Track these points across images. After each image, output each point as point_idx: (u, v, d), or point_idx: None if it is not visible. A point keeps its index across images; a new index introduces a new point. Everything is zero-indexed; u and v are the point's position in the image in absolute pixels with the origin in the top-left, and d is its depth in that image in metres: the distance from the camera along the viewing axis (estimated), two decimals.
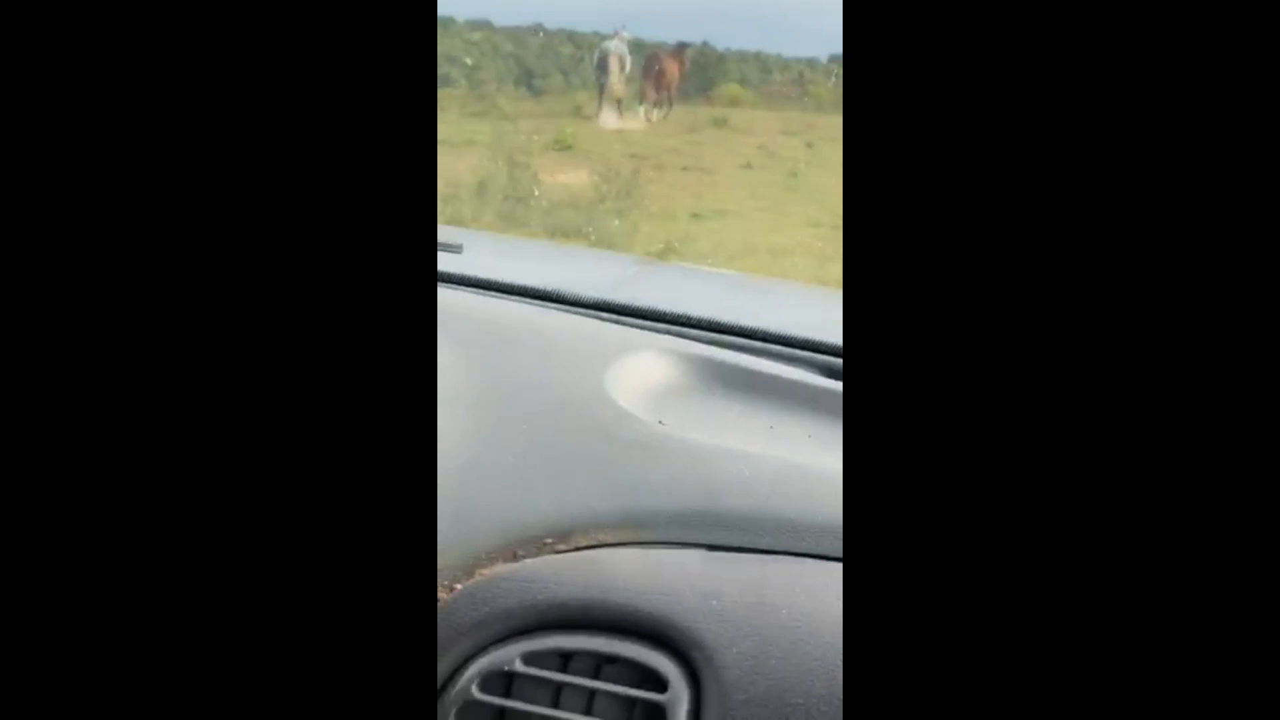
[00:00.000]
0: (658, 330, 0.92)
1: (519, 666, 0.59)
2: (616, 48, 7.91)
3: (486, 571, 0.63)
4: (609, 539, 0.66)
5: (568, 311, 0.95)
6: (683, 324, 0.94)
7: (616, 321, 0.93)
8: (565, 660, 0.60)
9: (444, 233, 1.03)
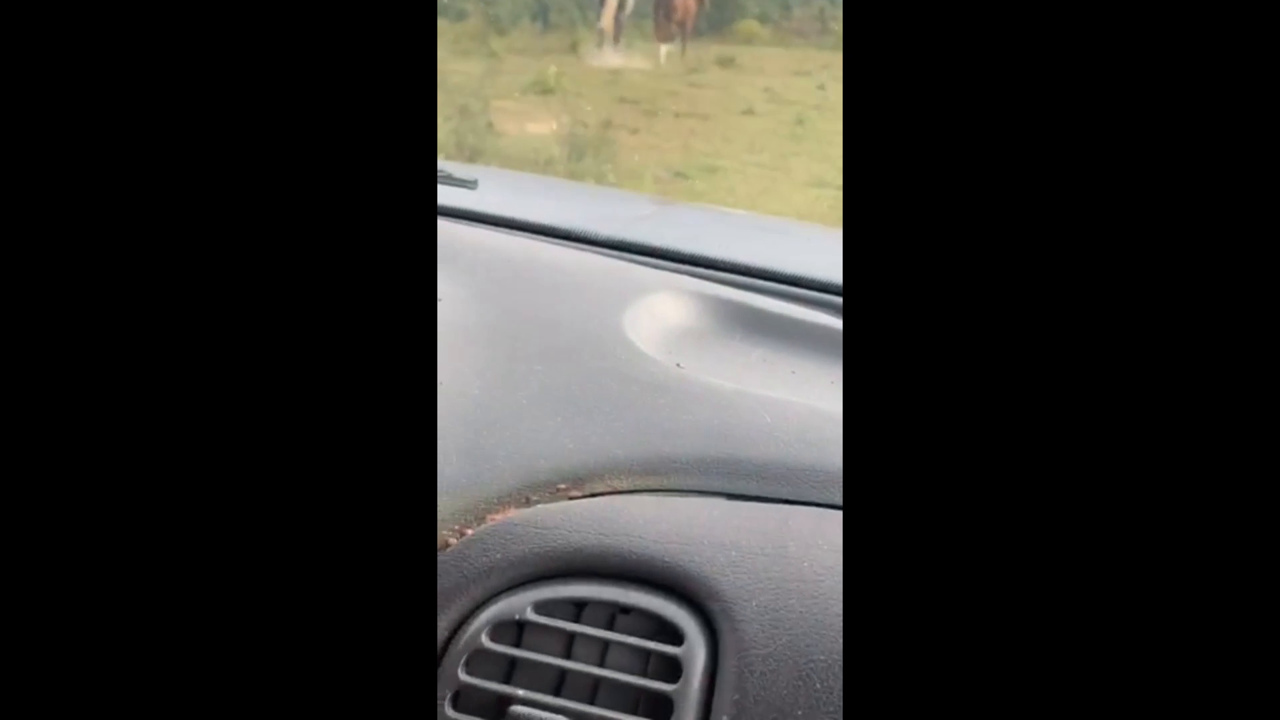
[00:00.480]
0: (677, 271, 0.89)
1: (530, 615, 0.57)
2: None
3: (498, 516, 0.61)
4: (625, 485, 0.64)
5: (585, 250, 0.92)
6: (702, 265, 0.91)
7: (635, 260, 0.91)
8: (578, 610, 0.57)
9: (458, 168, 1.00)
